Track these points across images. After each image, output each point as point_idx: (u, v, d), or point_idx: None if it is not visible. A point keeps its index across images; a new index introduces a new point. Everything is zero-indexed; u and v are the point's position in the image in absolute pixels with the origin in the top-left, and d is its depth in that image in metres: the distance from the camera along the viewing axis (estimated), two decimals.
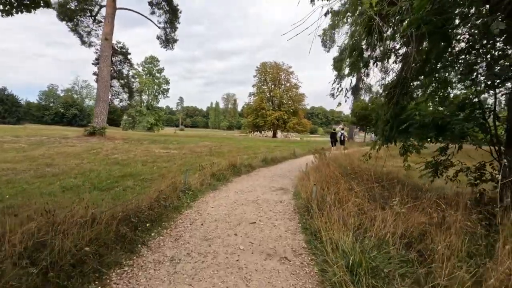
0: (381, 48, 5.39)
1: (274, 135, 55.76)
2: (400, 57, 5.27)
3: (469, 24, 3.91)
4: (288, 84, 55.68)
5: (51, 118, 74.84)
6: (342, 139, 17.24)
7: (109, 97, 25.11)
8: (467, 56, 4.01)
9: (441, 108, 4.51)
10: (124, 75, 25.36)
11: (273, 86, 56.08)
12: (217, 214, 4.32)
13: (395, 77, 5.87)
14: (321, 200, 4.08)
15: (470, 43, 3.92)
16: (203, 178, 6.29)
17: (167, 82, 71.00)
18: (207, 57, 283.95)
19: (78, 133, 19.79)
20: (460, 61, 4.32)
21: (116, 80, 25.33)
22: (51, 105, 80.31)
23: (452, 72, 4.70)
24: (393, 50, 5.66)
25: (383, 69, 6.50)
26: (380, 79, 6.85)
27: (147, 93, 69.60)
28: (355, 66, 5.84)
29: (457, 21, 4.07)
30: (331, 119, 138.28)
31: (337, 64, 36.45)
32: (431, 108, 5.24)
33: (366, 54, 5.75)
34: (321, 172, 6.32)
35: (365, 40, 5.74)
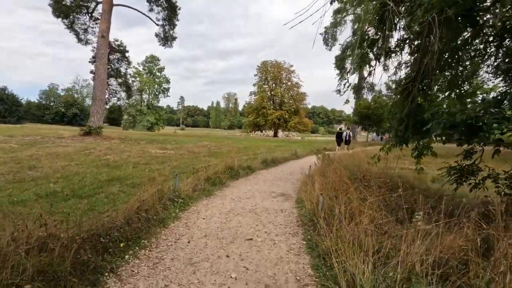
0: (395, 38, 4.81)
1: (275, 135, 55.15)
2: (417, 48, 4.67)
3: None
4: (289, 83, 55.02)
5: (52, 117, 74.63)
6: (347, 138, 16.71)
7: (106, 96, 24.57)
8: (504, 43, 3.40)
9: (469, 106, 3.90)
10: (122, 73, 24.80)
11: (274, 85, 55.43)
12: (208, 227, 3.74)
13: (409, 71, 5.28)
14: (329, 213, 3.49)
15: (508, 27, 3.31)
16: (197, 183, 5.71)
17: (168, 81, 70.57)
18: (208, 56, 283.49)
19: (75, 133, 19.25)
20: (490, 49, 3.74)
21: (113, 78, 24.77)
22: (51, 104, 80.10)
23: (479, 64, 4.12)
24: (408, 41, 5.05)
25: (394, 62, 5.90)
26: (392, 74, 6.23)
27: (148, 92, 69.17)
28: (365, 59, 5.24)
29: (488, 2, 3.49)
30: (332, 118, 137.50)
31: (339, 62, 35.66)
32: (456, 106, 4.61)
33: (377, 45, 5.15)
34: (327, 176, 5.73)
35: (376, 30, 5.14)
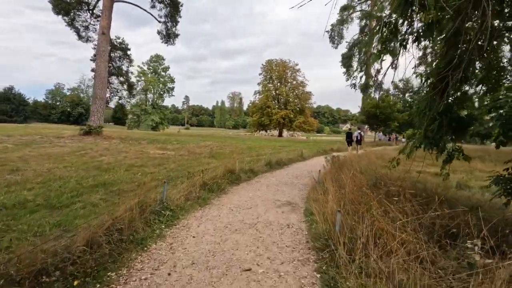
0: (424, 18, 4.02)
1: (280, 134, 54.30)
2: (453, 30, 3.88)
3: None
4: (294, 82, 54.07)
5: (58, 117, 75.12)
6: (358, 138, 16.10)
7: (108, 95, 24.17)
8: None
9: None
10: (124, 71, 24.28)
11: (279, 84, 54.54)
12: (197, 249, 3.03)
13: (438, 62, 4.49)
14: (349, 235, 2.74)
15: None
16: (191, 190, 5.01)
17: (172, 81, 70.33)
18: (213, 56, 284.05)
19: (77, 132, 18.75)
20: None
21: (115, 76, 24.26)
22: (57, 104, 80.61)
23: None
24: (438, 25, 4.25)
25: (419, 52, 5.11)
26: (416, 66, 5.44)
27: (152, 91, 69.07)
28: (387, 47, 4.46)
29: None
30: (338, 118, 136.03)
31: (346, 60, 34.79)
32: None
33: (402, 29, 4.36)
34: (341, 183, 4.98)
35: (400, 13, 4.35)
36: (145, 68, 68.42)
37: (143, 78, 67.35)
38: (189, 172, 5.99)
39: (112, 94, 24.94)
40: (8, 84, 63.67)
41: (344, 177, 5.73)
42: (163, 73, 69.62)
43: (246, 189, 6.20)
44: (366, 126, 40.38)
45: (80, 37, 22.16)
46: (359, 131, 16.81)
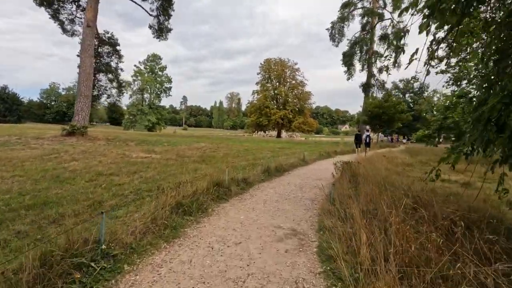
0: None
1: (279, 135, 52.88)
2: None
3: None
4: (293, 82, 52.70)
5: (53, 116, 73.56)
6: (367, 141, 15.55)
7: (96, 93, 22.53)
8: None
9: None
10: (113, 68, 22.74)
11: (277, 83, 53.13)
12: None
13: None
14: None
15: None
16: (156, 215, 3.55)
17: (169, 81, 68.89)
18: (214, 56, 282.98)
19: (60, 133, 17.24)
20: None
21: (103, 73, 22.73)
22: (52, 103, 78.97)
23: None
24: None
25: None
26: (427, 63, 4.19)
27: (149, 91, 67.58)
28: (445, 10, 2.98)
29: None
30: (336, 118, 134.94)
31: (347, 59, 33.40)
32: None
33: None
34: (364, 201, 3.56)
35: None
36: (142, 67, 67.00)
37: (139, 78, 65.87)
38: (160, 188, 4.51)
39: (100, 92, 23.33)
40: (9, 84, 62.23)
41: (365, 191, 4.30)
42: (160, 73, 68.26)
43: (236, 207, 4.75)
44: (368, 127, 38.93)
45: (64, 30, 20.61)
46: (368, 133, 16.18)
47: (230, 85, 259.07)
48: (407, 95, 61.71)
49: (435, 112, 56.70)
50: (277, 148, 19.46)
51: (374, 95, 36.78)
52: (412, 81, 57.17)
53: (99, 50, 21.67)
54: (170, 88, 69.98)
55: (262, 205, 4.95)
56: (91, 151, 11.80)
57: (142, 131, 53.08)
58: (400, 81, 61.28)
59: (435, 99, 59.73)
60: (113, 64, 22.35)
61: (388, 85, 39.63)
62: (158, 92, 68.93)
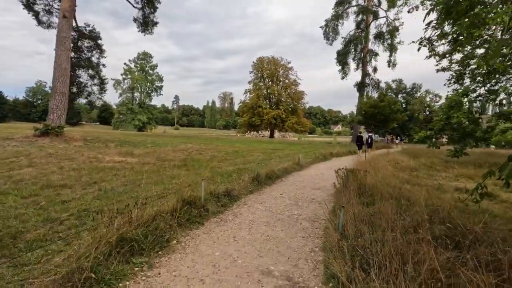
0: None
1: (272, 135, 51.75)
2: None
3: None
4: (286, 81, 51.61)
5: (39, 115, 70.84)
6: (369, 142, 15.45)
7: (75, 90, 20.88)
8: None
9: None
10: (94, 63, 21.17)
11: (270, 82, 51.97)
12: None
13: None
14: None
15: None
16: (84, 260, 2.32)
17: (161, 79, 67.05)
18: (207, 56, 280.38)
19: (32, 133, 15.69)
20: None
21: (84, 69, 21.14)
22: (38, 102, 76.24)
23: None
24: None
25: None
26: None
27: (140, 90, 65.61)
28: None
29: None
30: (329, 119, 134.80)
31: (342, 57, 32.51)
32: None
33: None
34: (383, 222, 2.41)
35: None
36: (132, 65, 64.98)
37: (129, 76, 63.85)
38: (102, 213, 3.26)
39: (80, 90, 21.70)
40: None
41: (384, 211, 3.16)
42: (151, 71, 66.36)
43: (212, 236, 3.54)
44: (363, 127, 38.14)
45: (39, 22, 19.00)
46: (370, 134, 16.27)
47: (222, 85, 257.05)
48: (399, 96, 61.43)
49: (427, 112, 56.38)
50: (270, 150, 18.29)
51: (369, 94, 36.01)
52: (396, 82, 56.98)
53: (78, 44, 20.12)
54: (161, 87, 68.23)
55: (246, 232, 3.75)
56: (58, 154, 10.41)
57: (132, 131, 51.28)
58: (393, 81, 60.99)
59: (428, 99, 59.71)
60: (94, 59, 20.79)
61: (382, 85, 38.90)
62: (149, 91, 67.10)
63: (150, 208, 3.51)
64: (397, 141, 41.86)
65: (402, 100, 59.84)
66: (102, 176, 6.78)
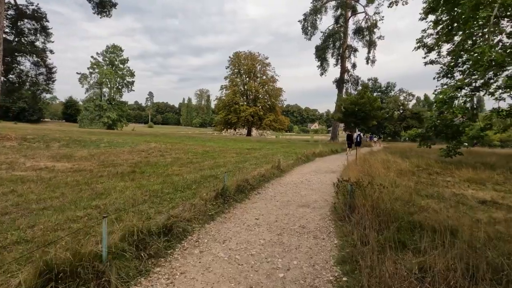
0: None
1: (249, 134, 49.82)
2: None
3: None
4: (264, 77, 49.81)
5: None
6: (358, 140, 15.38)
7: (15, 79, 17.51)
8: None
9: None
10: (39, 48, 17.98)
11: (247, 78, 49.91)
12: None
13: None
14: None
15: None
16: None
17: (132, 74, 62.58)
18: (183, 53, 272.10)
19: None
20: None
21: (26, 55, 17.88)
22: None
23: None
24: None
25: None
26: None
27: (109, 85, 60.76)
28: None
29: None
30: (306, 117, 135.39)
31: (320, 52, 30.93)
32: None
33: None
34: None
35: None
36: (100, 59, 59.94)
37: (97, 70, 58.83)
38: None
39: (22, 79, 18.33)
40: None
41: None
42: (121, 66, 61.57)
43: None
44: (342, 125, 37.31)
45: None
46: (359, 133, 16.94)
47: (199, 82, 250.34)
48: (375, 94, 62.12)
49: (401, 110, 57.28)
50: (246, 149, 16.33)
51: (349, 91, 35.16)
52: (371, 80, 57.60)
53: (18, 24, 16.88)
54: (132, 83, 63.76)
55: None
56: None
57: (101, 129, 46.90)
58: (369, 80, 61.43)
59: (401, 98, 60.76)
60: (39, 44, 17.61)
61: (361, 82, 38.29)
62: (119, 87, 62.43)
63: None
64: (375, 139, 41.64)
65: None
66: None
